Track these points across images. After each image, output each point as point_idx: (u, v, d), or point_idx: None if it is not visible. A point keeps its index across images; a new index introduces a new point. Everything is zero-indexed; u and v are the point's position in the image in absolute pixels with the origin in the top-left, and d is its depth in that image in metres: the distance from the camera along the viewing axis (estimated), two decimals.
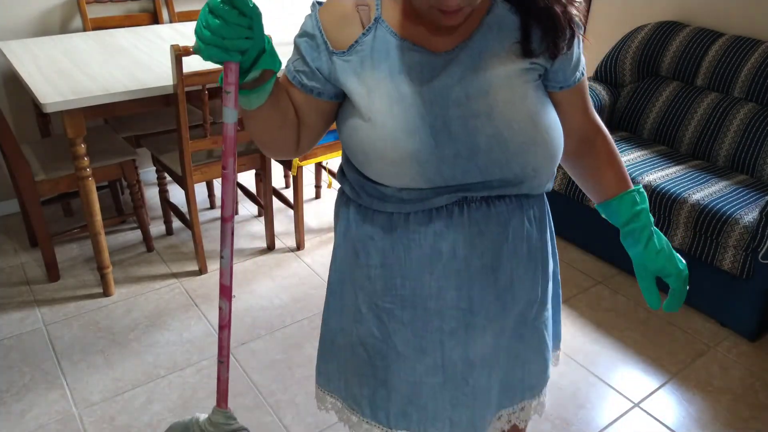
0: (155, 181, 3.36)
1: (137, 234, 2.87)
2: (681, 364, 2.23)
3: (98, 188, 2.70)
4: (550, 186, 1.08)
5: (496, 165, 0.97)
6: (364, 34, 0.98)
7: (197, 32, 0.83)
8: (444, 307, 1.06)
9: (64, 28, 2.84)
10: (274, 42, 0.96)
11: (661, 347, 2.30)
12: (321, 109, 1.03)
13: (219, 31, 0.81)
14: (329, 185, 3.31)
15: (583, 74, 1.06)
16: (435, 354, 1.09)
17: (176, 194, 3.20)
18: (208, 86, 2.28)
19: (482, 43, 0.97)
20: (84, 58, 2.41)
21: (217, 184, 3.36)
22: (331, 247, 2.80)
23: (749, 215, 2.25)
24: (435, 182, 0.97)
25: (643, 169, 2.58)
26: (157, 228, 2.93)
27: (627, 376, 2.17)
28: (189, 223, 2.55)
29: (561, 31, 0.96)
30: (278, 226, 2.99)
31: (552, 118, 1.00)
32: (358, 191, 1.05)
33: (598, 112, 3.05)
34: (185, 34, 2.80)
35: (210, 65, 2.35)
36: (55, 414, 1.93)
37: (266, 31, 0.87)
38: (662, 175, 2.54)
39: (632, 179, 2.51)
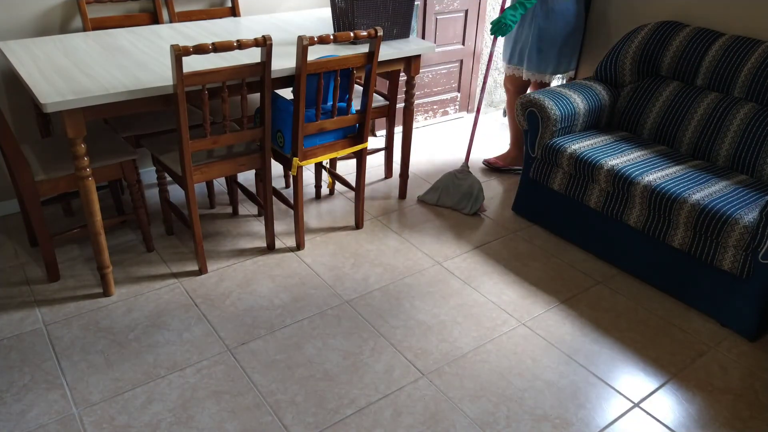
0: (155, 181, 3.36)
1: (137, 234, 2.87)
2: (681, 364, 2.23)
3: (98, 188, 2.71)
4: None
5: None
6: None
7: None
8: None
9: (64, 28, 2.84)
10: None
11: (661, 347, 2.31)
12: None
13: None
14: (329, 185, 3.31)
15: None
16: None
17: (176, 194, 3.20)
18: (208, 86, 2.28)
19: None
20: (84, 58, 2.41)
21: (218, 184, 3.37)
22: (331, 247, 2.82)
23: (749, 215, 2.26)
24: None
25: (643, 169, 2.58)
26: (157, 228, 2.93)
27: (627, 376, 2.17)
28: (189, 223, 2.55)
29: None
30: (278, 226, 2.99)
31: None
32: None
33: (598, 112, 3.16)
34: (185, 34, 2.80)
35: (210, 65, 2.35)
36: (55, 414, 1.93)
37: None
38: (662, 175, 2.54)
39: (632, 180, 2.52)
